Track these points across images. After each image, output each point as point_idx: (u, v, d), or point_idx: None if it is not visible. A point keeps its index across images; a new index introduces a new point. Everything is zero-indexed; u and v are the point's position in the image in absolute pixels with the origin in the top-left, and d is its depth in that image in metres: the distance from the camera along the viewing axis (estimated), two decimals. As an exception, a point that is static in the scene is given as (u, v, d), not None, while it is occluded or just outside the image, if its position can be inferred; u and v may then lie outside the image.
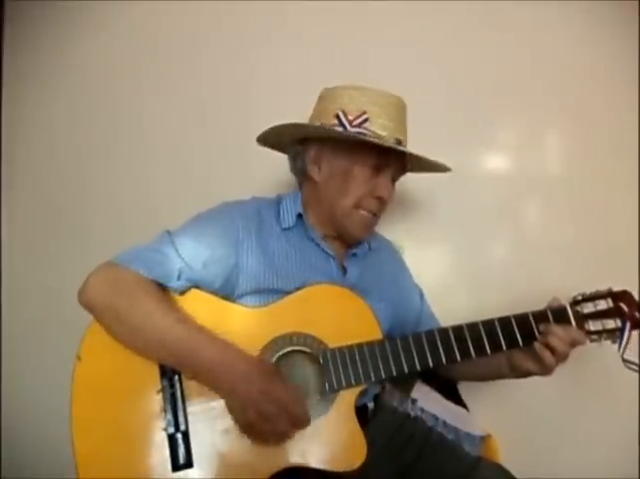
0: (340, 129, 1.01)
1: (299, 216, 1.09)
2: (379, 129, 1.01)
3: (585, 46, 1.46)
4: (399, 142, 1.02)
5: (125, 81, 1.58)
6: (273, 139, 1.13)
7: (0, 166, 1.63)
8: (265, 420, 0.85)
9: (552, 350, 0.93)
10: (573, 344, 0.94)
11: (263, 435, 0.88)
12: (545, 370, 0.96)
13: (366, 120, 1.00)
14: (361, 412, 0.97)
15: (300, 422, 0.88)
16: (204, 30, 1.56)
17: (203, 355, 0.88)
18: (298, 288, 0.99)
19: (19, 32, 1.61)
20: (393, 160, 1.04)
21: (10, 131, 1.63)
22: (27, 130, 1.63)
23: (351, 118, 1.01)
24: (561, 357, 0.94)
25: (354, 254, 1.13)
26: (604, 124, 1.45)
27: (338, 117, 1.02)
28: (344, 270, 1.11)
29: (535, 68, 1.46)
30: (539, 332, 0.95)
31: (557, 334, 0.93)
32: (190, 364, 0.90)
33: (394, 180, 1.10)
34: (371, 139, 0.98)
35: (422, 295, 1.28)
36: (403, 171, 1.11)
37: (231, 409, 0.89)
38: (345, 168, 1.05)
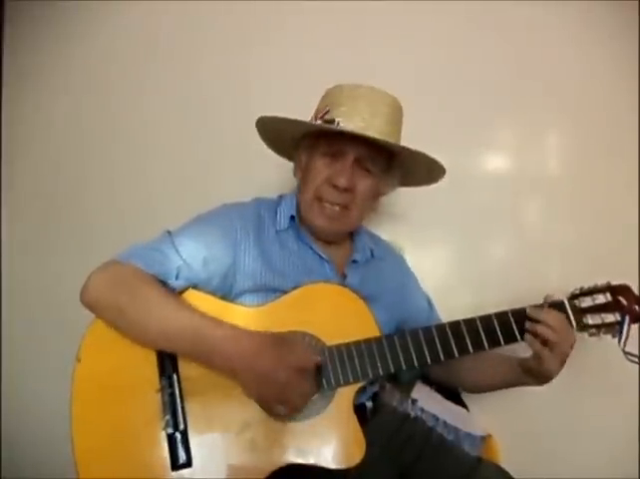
0: None
1: (292, 218, 1.09)
2: (337, 116, 1.00)
3: (585, 46, 1.46)
4: (331, 121, 0.99)
5: (124, 81, 1.58)
6: (278, 142, 1.15)
7: (0, 166, 1.63)
8: (285, 386, 0.86)
9: (541, 340, 0.92)
10: (560, 326, 0.92)
11: (287, 403, 0.88)
12: (542, 362, 0.93)
13: (327, 112, 1.01)
14: (360, 411, 0.98)
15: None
16: (204, 30, 1.55)
17: (214, 336, 0.88)
18: (295, 288, 0.99)
19: (19, 32, 1.61)
20: (350, 147, 1.01)
21: (10, 131, 1.63)
22: (27, 130, 1.63)
23: (318, 114, 1.03)
24: (552, 346, 0.92)
25: (354, 261, 1.13)
26: (604, 124, 1.45)
27: (313, 118, 1.05)
28: (344, 277, 1.10)
29: (535, 68, 1.46)
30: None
31: (539, 318, 0.93)
32: (201, 348, 0.89)
33: (367, 169, 1.05)
34: (314, 121, 1.01)
35: (430, 302, 1.26)
36: (370, 159, 1.04)
37: (248, 387, 0.89)
38: (307, 161, 1.07)
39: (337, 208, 1.04)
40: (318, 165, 1.04)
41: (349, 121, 0.98)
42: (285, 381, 0.86)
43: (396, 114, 1.05)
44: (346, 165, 1.02)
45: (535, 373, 0.98)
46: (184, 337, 0.90)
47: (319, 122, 1.01)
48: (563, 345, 0.93)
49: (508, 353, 1.06)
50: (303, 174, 1.09)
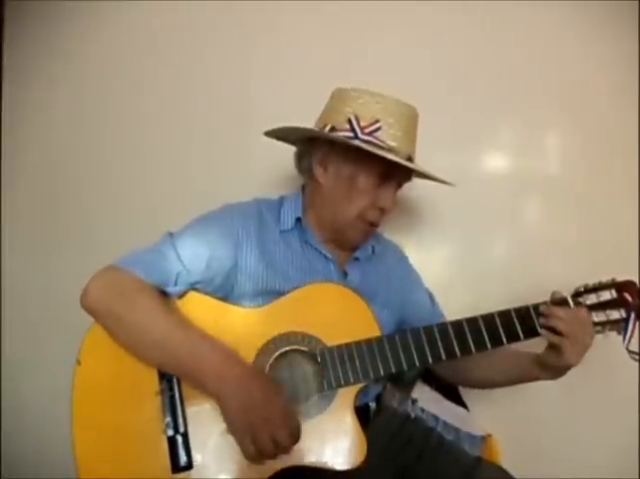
0: (351, 134, 0.99)
1: (298, 219, 1.09)
2: (390, 139, 0.99)
3: (585, 46, 1.46)
4: (409, 156, 1.01)
5: (125, 80, 1.58)
6: (281, 133, 1.12)
7: (0, 166, 1.63)
8: (262, 427, 0.84)
9: (559, 333, 0.92)
10: (579, 321, 0.92)
11: (258, 444, 0.85)
12: (562, 355, 0.92)
13: (378, 129, 0.99)
14: (363, 412, 0.97)
15: (294, 434, 0.87)
16: (204, 28, 1.55)
17: (203, 362, 0.88)
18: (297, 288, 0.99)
19: (19, 32, 1.61)
20: (398, 170, 1.02)
21: (10, 131, 1.63)
22: (27, 130, 1.63)
23: (363, 124, 0.99)
24: (572, 339, 0.91)
25: (356, 259, 1.13)
26: (604, 124, 1.45)
27: (350, 121, 0.99)
28: (345, 274, 1.10)
29: (535, 68, 1.46)
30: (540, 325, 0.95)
31: (557, 315, 0.92)
32: (189, 370, 0.89)
33: (399, 186, 1.08)
34: (382, 152, 0.96)
35: (432, 298, 1.25)
36: (408, 178, 1.09)
37: (228, 418, 0.87)
38: (351, 175, 1.03)
39: (372, 226, 1.06)
40: (367, 186, 1.02)
41: (403, 145, 1.00)
42: (258, 422, 0.84)
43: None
44: (393, 188, 1.05)
45: (554, 367, 0.96)
46: (175, 358, 0.89)
47: (372, 139, 0.98)
48: (581, 336, 0.92)
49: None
50: (343, 185, 1.04)
